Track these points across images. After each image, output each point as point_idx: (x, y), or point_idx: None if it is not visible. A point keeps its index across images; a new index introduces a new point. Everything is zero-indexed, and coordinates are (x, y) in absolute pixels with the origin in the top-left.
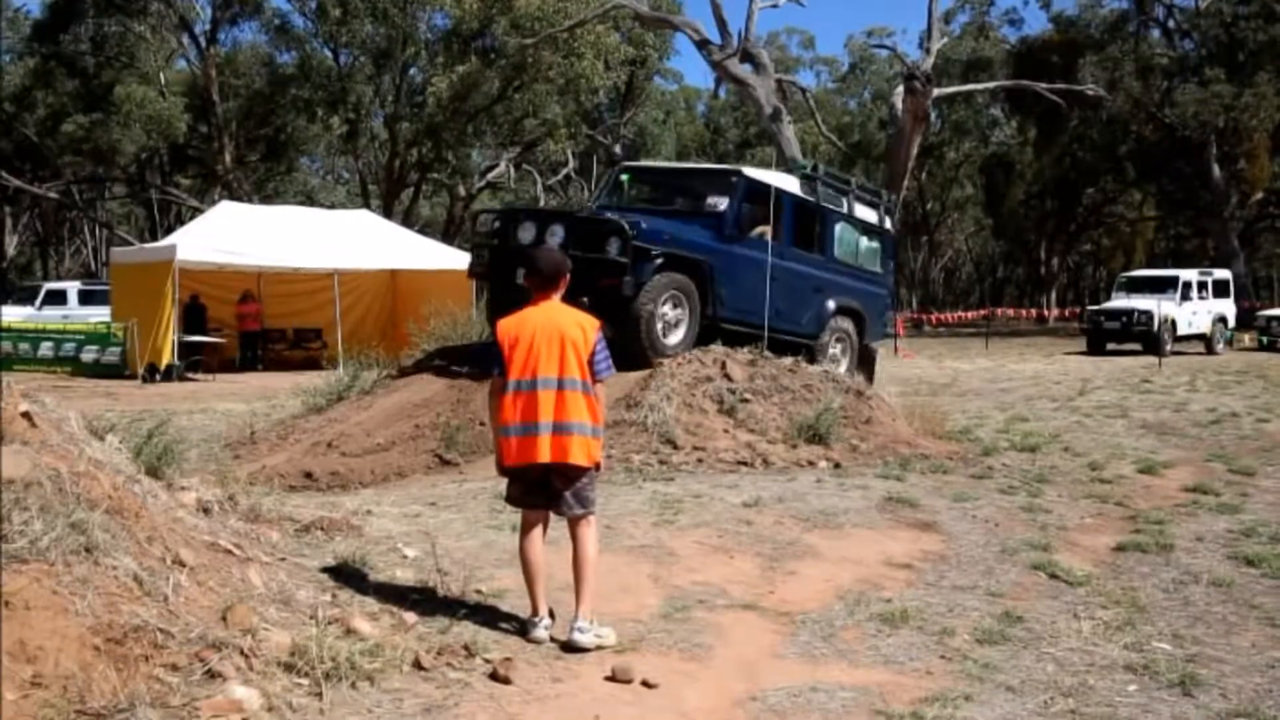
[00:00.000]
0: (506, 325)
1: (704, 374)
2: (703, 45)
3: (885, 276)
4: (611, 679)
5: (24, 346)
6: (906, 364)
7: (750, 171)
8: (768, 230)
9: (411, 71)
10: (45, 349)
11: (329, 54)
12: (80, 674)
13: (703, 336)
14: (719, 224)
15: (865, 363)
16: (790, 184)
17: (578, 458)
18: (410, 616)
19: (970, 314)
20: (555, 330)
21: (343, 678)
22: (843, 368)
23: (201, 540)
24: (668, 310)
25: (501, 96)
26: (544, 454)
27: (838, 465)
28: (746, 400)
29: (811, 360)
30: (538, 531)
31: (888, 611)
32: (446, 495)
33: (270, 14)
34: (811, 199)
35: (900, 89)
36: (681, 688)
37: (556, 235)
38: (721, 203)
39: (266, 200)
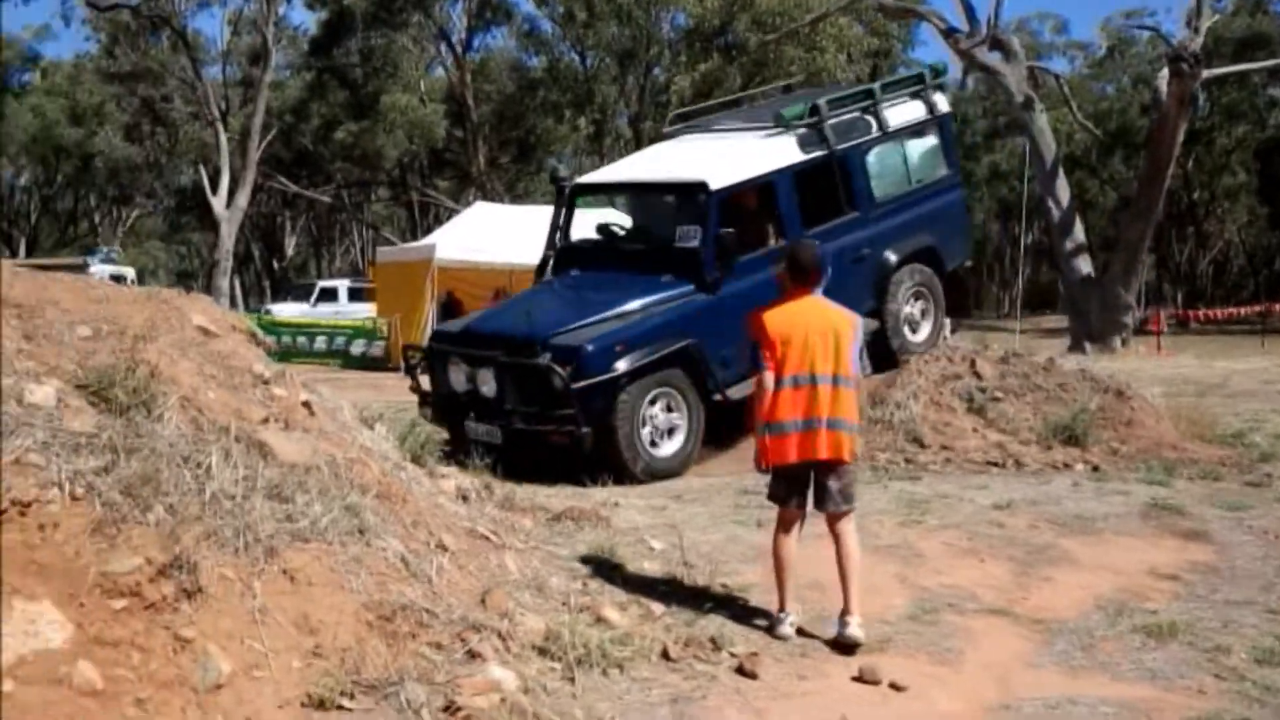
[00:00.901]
0: (775, 320)
1: (952, 371)
2: (948, 34)
3: (951, 175)
4: (859, 679)
5: (300, 340)
6: (1169, 363)
7: (719, 181)
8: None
9: (654, 71)
10: (319, 343)
11: (575, 57)
12: (355, 647)
13: (717, 416)
14: (695, 269)
15: (957, 293)
16: (779, 154)
17: (848, 454)
18: (657, 607)
19: (1243, 310)
20: (829, 326)
21: (593, 664)
22: (926, 329)
23: (461, 526)
24: (656, 413)
25: (743, 93)
26: (824, 450)
27: (1096, 468)
28: (997, 399)
29: (885, 338)
30: (795, 530)
31: (1153, 624)
32: (690, 489)
33: (520, 20)
34: (816, 152)
35: (1164, 72)
36: (931, 691)
37: (488, 385)
38: (692, 236)
39: (517, 200)
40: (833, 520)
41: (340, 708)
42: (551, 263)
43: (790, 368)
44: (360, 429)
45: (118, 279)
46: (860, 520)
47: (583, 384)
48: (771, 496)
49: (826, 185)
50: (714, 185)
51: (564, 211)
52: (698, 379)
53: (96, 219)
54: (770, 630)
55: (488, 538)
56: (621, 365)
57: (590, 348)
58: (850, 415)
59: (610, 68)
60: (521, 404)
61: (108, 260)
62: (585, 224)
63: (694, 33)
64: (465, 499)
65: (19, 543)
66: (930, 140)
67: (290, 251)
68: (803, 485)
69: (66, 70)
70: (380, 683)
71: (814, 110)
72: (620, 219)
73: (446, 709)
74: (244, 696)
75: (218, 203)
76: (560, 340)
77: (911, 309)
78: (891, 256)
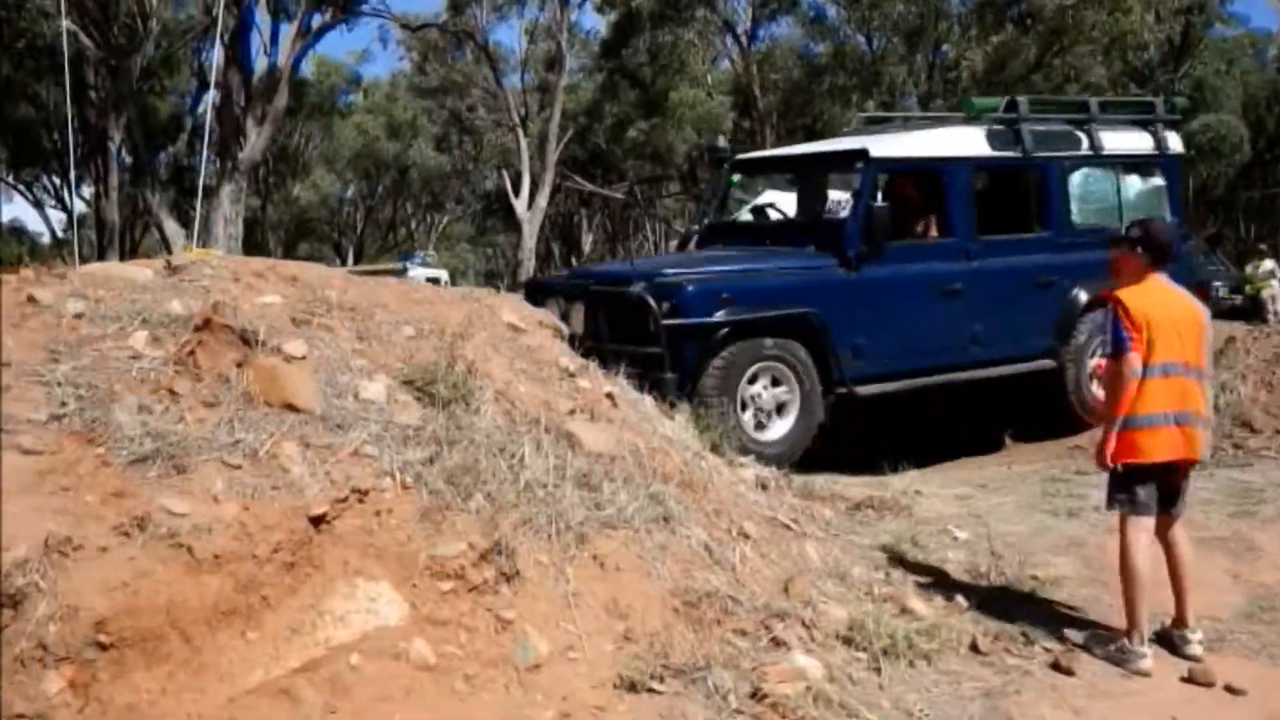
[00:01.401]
0: (1137, 302)
1: None
2: None
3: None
4: (1188, 680)
5: None
6: None
7: (883, 148)
8: (930, 221)
9: (943, 48)
10: None
11: (861, 40)
12: (663, 632)
13: (839, 412)
14: (837, 241)
15: None
16: (958, 142)
17: (1205, 454)
18: (963, 599)
19: None
20: (1190, 313)
21: (899, 655)
22: None
23: (761, 515)
24: (760, 392)
25: (1039, 64)
26: (1193, 449)
27: None
28: None
29: (1062, 389)
30: (1152, 540)
31: None
32: (995, 478)
33: (805, 7)
34: (1007, 153)
35: None
36: (1274, 697)
37: (577, 318)
38: (842, 207)
39: None
40: (1171, 524)
41: (651, 690)
42: (696, 238)
43: (1160, 355)
44: (661, 419)
45: (433, 281)
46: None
47: (675, 321)
48: (1130, 501)
49: (1014, 193)
50: (874, 153)
51: (721, 188)
52: (821, 360)
53: (412, 225)
54: (1121, 660)
55: (788, 526)
56: (724, 315)
57: (691, 287)
58: (1208, 412)
59: (897, 48)
60: (612, 339)
61: (423, 264)
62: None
63: (986, 5)
64: (764, 488)
65: (358, 527)
66: (1154, 180)
67: (587, 248)
68: (1161, 486)
69: (384, 89)
70: (688, 667)
71: (1011, 106)
72: (788, 202)
73: (753, 695)
74: (560, 676)
75: (519, 205)
76: (663, 278)
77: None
78: (1082, 295)
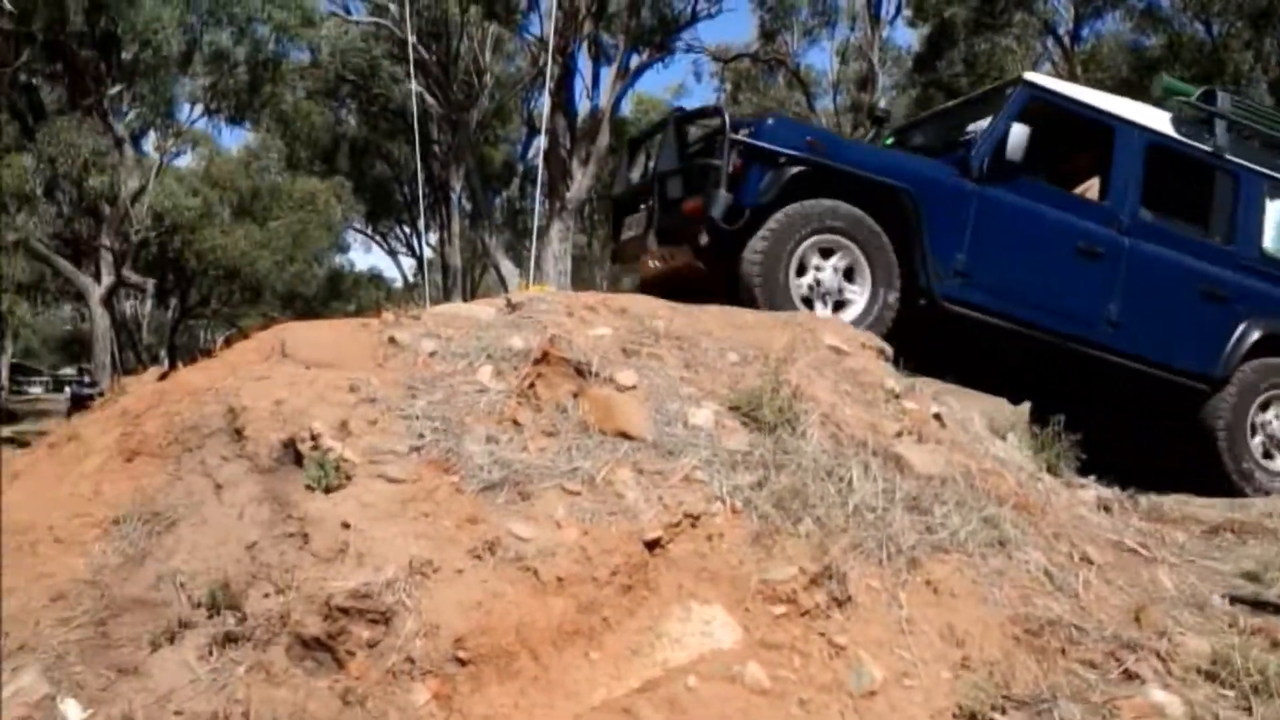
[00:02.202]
0: None
1: None
2: None
3: None
4: None
5: None
6: None
7: (1042, 79)
8: (1094, 185)
9: None
10: None
11: (1200, 27)
12: (1003, 661)
13: (909, 330)
14: (965, 152)
15: None
16: (1136, 111)
17: None
18: None
19: None
20: None
21: (1273, 694)
22: None
23: (1105, 538)
24: (822, 271)
25: None
26: None
27: None
28: None
29: (1206, 432)
30: None
31: None
32: None
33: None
34: (1192, 143)
35: None
36: None
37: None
38: (982, 126)
39: None
40: None
41: None
42: None
43: None
44: (991, 439)
45: None
46: None
47: (744, 138)
48: None
49: (1193, 191)
50: (1030, 78)
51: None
52: (903, 245)
53: None
54: None
55: (1136, 551)
56: (804, 153)
57: (773, 120)
58: None
59: (1241, 32)
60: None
61: None
62: None
63: None
64: (1107, 510)
65: (691, 551)
66: None
67: None
68: None
69: None
70: (1031, 699)
71: (1208, 97)
72: None
73: None
74: (896, 704)
75: None
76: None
77: (1270, 419)
78: (1254, 331)
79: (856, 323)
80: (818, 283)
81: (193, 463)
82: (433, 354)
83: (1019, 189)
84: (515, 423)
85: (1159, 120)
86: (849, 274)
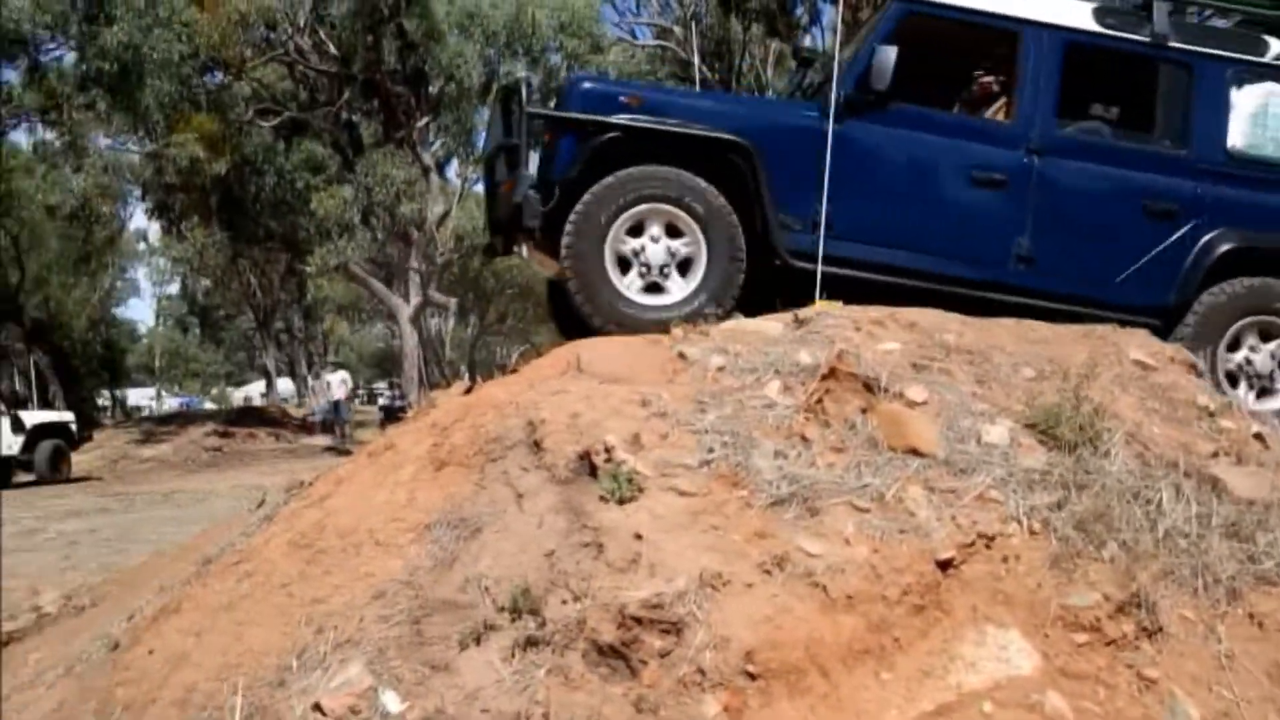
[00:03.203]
0: None
1: None
2: None
3: None
4: None
5: None
6: None
7: None
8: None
9: None
10: None
11: None
12: None
13: (767, 289)
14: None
15: None
16: (1064, 13)
17: None
18: None
19: None
20: None
21: None
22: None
23: None
24: (646, 241)
25: None
26: None
27: None
28: None
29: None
30: None
31: None
32: None
33: None
34: (1135, 38)
35: None
36: None
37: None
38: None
39: None
40: None
41: None
42: None
43: None
44: None
45: None
46: None
47: (541, 110)
48: None
49: (1130, 91)
50: None
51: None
52: (745, 204)
53: None
54: None
55: None
56: (604, 112)
57: (581, 83)
58: None
59: None
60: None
61: None
62: None
63: None
64: None
65: (985, 573)
66: None
67: None
68: None
69: None
70: None
71: None
72: None
73: None
74: None
75: None
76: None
77: (1260, 355)
78: (1218, 247)
79: (691, 298)
80: (642, 261)
81: (496, 473)
82: (721, 369)
83: (892, 120)
84: (803, 438)
85: (1077, 14)
86: (678, 235)
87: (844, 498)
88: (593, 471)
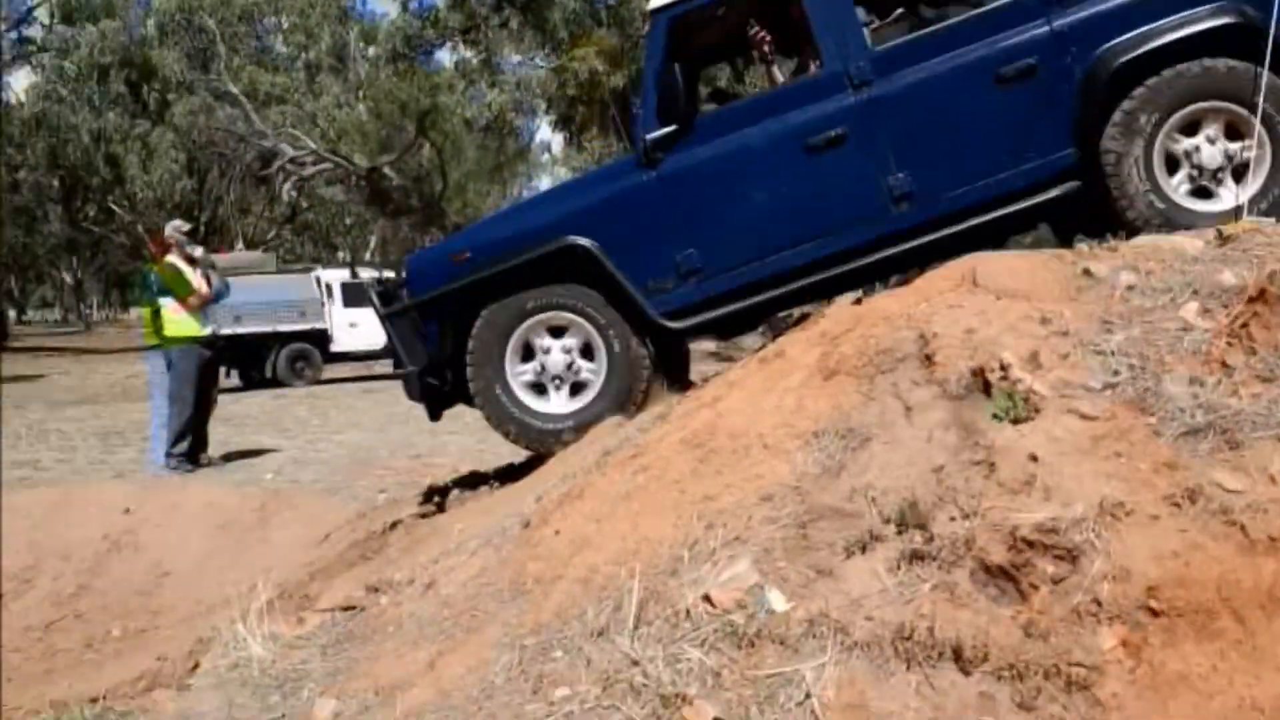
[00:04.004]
0: None
1: None
2: None
3: None
4: None
5: None
6: None
7: None
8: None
9: None
10: None
11: None
12: None
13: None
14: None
15: None
16: None
17: None
18: None
19: None
20: None
21: None
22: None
23: None
24: (549, 354)
25: None
26: None
27: None
28: None
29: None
30: None
31: None
32: None
33: None
34: None
35: None
36: None
37: None
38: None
39: None
40: None
41: None
42: None
43: None
44: None
45: None
46: None
47: (393, 307)
48: None
49: None
50: (654, 3)
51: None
52: (615, 293)
53: None
54: None
55: None
56: (450, 284)
57: (417, 256)
58: None
59: None
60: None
61: None
62: None
63: None
64: None
65: None
66: None
67: None
68: None
69: None
70: None
71: None
72: None
73: None
74: None
75: None
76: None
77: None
78: (1101, 73)
79: (598, 399)
80: (543, 368)
81: (885, 385)
82: (1130, 288)
83: (706, 134)
84: (1224, 364)
85: None
86: (586, 351)
87: (1270, 432)
88: (986, 389)
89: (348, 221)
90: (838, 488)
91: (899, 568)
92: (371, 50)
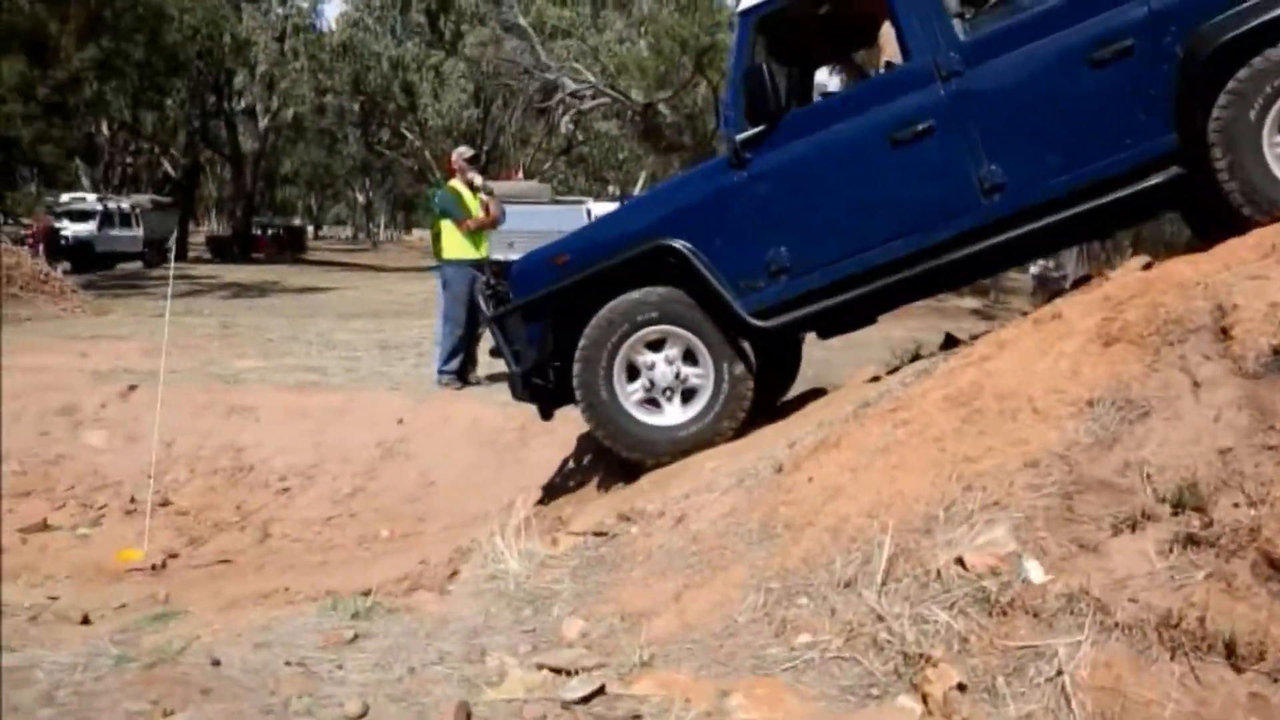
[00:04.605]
0: None
1: None
2: None
3: None
4: None
5: None
6: None
7: None
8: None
9: None
10: None
11: None
12: None
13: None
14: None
15: None
16: None
17: None
18: None
19: None
20: None
21: None
22: None
23: None
24: (654, 370)
25: None
26: None
27: None
28: None
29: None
30: None
31: None
32: None
33: None
34: None
35: None
36: None
37: None
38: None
39: None
40: None
41: None
42: None
43: None
44: None
45: None
46: None
47: (498, 312)
48: None
49: None
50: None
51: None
52: (704, 293)
53: None
54: None
55: None
56: (558, 280)
57: (520, 261)
58: None
59: None
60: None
61: None
62: None
63: None
64: None
65: None
66: None
67: None
68: None
69: None
70: None
71: None
72: None
73: None
74: None
75: None
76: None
77: None
78: (1221, 34)
79: (708, 403)
80: (652, 383)
81: (1172, 356)
82: None
83: (793, 131)
84: None
85: None
86: (688, 356)
87: None
88: None
89: (620, 156)
90: (1109, 460)
91: (1171, 551)
92: None
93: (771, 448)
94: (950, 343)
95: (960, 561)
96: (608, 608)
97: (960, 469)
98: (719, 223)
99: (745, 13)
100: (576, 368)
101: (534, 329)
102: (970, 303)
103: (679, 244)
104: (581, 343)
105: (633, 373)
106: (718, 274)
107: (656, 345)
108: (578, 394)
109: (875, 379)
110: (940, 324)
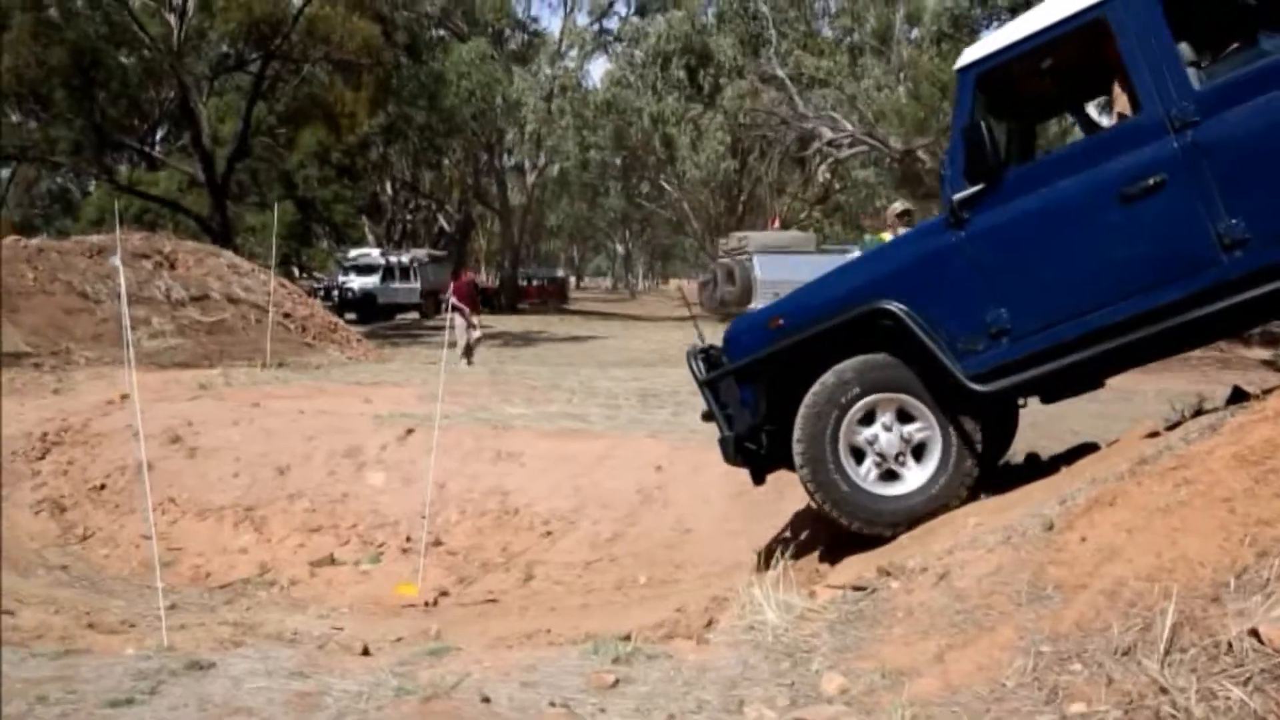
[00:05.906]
0: None
1: None
2: None
3: None
4: None
5: None
6: None
7: (976, 50)
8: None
9: None
10: None
11: None
12: None
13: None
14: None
15: None
16: None
17: None
18: None
19: None
20: None
21: None
22: None
23: None
24: (875, 442)
25: None
26: None
27: None
28: None
29: None
30: None
31: None
32: None
33: None
34: None
35: None
36: None
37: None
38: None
39: None
40: None
41: None
42: None
43: None
44: None
45: None
46: None
47: (711, 375)
48: None
49: None
50: (962, 62)
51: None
52: (925, 357)
53: None
54: None
55: None
56: (765, 349)
57: (738, 322)
58: None
59: None
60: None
61: None
62: None
63: None
64: None
65: None
66: None
67: None
68: None
69: None
70: None
71: None
72: None
73: None
74: None
75: None
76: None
77: None
78: None
79: (936, 474)
80: (881, 456)
81: None
82: None
83: (1015, 189)
84: None
85: None
86: (904, 416)
87: None
88: None
89: (877, 204)
90: None
91: None
92: (915, 32)
93: (1040, 505)
94: (1239, 396)
95: (1255, 634)
96: (868, 664)
97: (1253, 533)
98: (936, 284)
99: (965, 69)
100: (801, 470)
101: (747, 392)
102: (1259, 353)
103: (895, 306)
104: (796, 436)
105: (859, 454)
106: (935, 337)
107: (869, 419)
108: (813, 493)
109: (1153, 434)
110: (1223, 376)
